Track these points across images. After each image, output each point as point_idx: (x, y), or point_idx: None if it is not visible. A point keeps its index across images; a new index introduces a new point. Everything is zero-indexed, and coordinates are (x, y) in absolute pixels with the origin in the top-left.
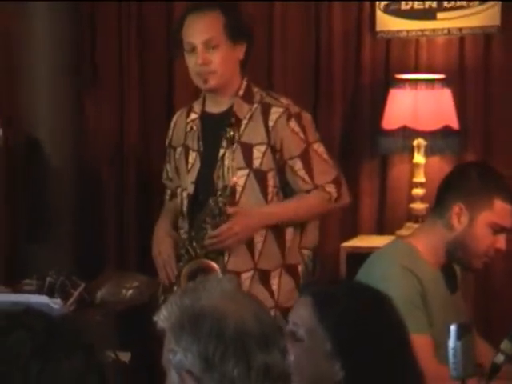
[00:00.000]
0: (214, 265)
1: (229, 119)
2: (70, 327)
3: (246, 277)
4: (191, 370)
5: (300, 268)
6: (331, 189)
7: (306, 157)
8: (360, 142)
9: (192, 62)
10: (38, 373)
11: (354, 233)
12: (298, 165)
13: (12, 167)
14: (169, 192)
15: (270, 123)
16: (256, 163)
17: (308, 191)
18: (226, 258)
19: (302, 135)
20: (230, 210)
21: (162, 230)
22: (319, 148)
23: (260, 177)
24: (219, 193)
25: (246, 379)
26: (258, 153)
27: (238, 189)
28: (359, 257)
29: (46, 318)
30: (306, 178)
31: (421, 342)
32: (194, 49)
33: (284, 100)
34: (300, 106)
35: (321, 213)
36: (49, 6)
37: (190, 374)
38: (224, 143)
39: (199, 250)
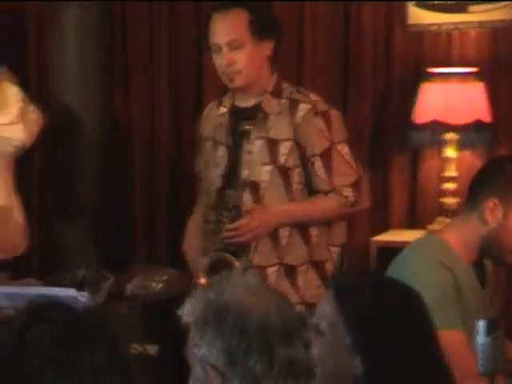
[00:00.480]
0: (232, 258)
1: (257, 114)
2: (93, 321)
3: (272, 271)
4: (215, 364)
5: (328, 265)
6: (348, 193)
7: (327, 156)
8: (390, 135)
9: (218, 61)
10: (59, 366)
11: (384, 227)
12: (318, 163)
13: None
14: (203, 185)
15: (297, 120)
16: (281, 159)
17: (325, 191)
18: (251, 253)
19: (326, 133)
20: (247, 205)
21: (193, 223)
22: (343, 149)
23: (285, 173)
24: (233, 184)
25: (269, 374)
26: (283, 149)
27: (263, 184)
28: (390, 251)
29: (69, 312)
30: (324, 177)
31: (453, 338)
32: (219, 49)
33: (313, 97)
34: (330, 100)
35: (336, 216)
36: (80, 5)
37: (214, 368)
38: (248, 138)
39: (218, 243)
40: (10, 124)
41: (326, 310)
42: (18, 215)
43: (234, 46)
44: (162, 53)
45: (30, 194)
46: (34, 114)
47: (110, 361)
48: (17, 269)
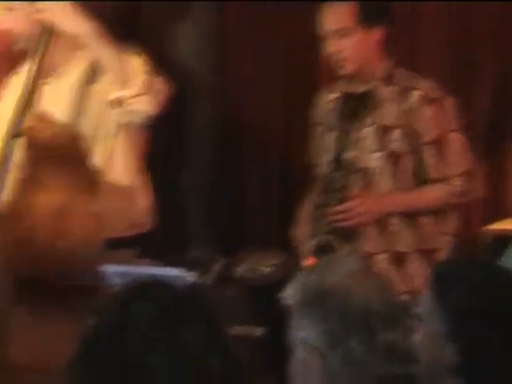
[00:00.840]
0: (338, 243)
1: (368, 100)
2: (196, 301)
3: (380, 259)
4: (316, 346)
5: (439, 254)
6: (458, 182)
7: (438, 144)
8: (508, 121)
9: (327, 49)
10: (159, 345)
11: (500, 216)
12: (429, 151)
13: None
14: (314, 171)
15: (409, 106)
16: (392, 146)
17: (435, 180)
18: (359, 239)
19: (438, 121)
20: (355, 191)
21: (305, 209)
22: (455, 138)
23: (395, 160)
24: (342, 169)
25: (369, 357)
26: (394, 135)
27: (373, 171)
28: (505, 240)
29: (171, 291)
30: (435, 166)
31: None
32: (327, 37)
33: (427, 83)
34: (445, 87)
35: (445, 206)
36: (198, 5)
37: (314, 350)
38: (359, 124)
39: (325, 226)
40: (136, 96)
41: (426, 297)
42: (144, 192)
43: (341, 34)
44: (276, 42)
45: (156, 169)
46: (160, 86)
47: (211, 342)
48: (142, 246)
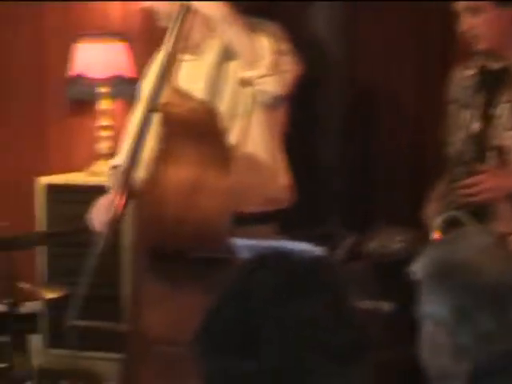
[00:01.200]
0: (467, 218)
1: (504, 77)
2: (323, 274)
3: None
4: (444, 320)
5: None
6: None
7: None
8: None
9: (460, 26)
10: (282, 315)
11: None
12: None
13: None
14: (447, 149)
15: None
16: None
17: None
18: (492, 218)
19: None
20: (485, 167)
21: (439, 188)
22: None
23: None
24: (476, 146)
25: (499, 334)
26: None
27: (509, 149)
28: None
29: (299, 263)
30: None
31: None
32: (461, 14)
33: None
34: None
35: None
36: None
37: (442, 324)
38: (495, 101)
39: (454, 202)
40: (263, 76)
41: None
42: (282, 170)
43: (474, 11)
44: (407, 18)
45: (290, 148)
46: (290, 66)
47: (338, 316)
48: (279, 222)
